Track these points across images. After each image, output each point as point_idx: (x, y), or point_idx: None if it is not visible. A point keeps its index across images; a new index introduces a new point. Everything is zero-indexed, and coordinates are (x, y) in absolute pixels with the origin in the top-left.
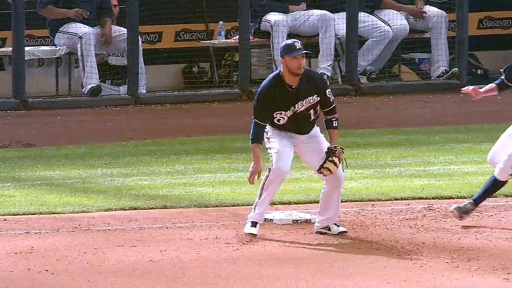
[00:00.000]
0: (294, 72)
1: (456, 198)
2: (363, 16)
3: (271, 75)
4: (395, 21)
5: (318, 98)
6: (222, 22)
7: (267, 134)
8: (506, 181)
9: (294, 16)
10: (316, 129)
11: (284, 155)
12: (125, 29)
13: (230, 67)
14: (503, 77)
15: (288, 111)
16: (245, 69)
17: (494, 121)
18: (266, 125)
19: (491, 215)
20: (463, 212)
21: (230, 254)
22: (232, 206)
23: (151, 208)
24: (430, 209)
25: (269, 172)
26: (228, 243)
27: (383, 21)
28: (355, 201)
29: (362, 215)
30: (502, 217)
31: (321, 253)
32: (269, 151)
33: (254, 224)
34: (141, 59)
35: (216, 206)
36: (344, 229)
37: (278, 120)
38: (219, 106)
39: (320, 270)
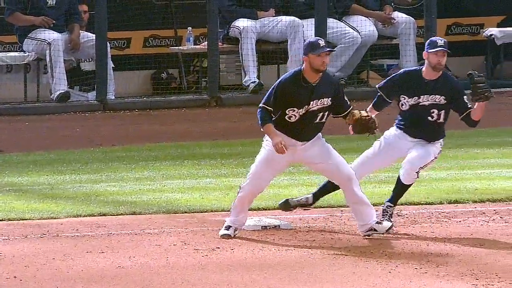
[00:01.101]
0: (317, 69)
1: (425, 204)
2: (331, 22)
3: (292, 70)
4: (364, 27)
5: (331, 103)
6: (190, 28)
7: (266, 140)
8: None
9: (263, 22)
10: (319, 135)
11: (260, 177)
12: (94, 35)
13: (199, 73)
14: (380, 94)
15: (302, 109)
16: (213, 75)
17: (460, 128)
18: (273, 113)
19: (460, 221)
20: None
21: (199, 260)
22: (201, 212)
23: (120, 214)
24: (398, 215)
25: (239, 189)
26: (197, 249)
27: (352, 27)
28: (324, 207)
29: (331, 221)
30: (471, 223)
31: (290, 259)
32: (256, 158)
33: (227, 227)
34: (109, 65)
35: (185, 212)
36: (390, 224)
37: (290, 117)
38: (188, 112)
39: (289, 276)
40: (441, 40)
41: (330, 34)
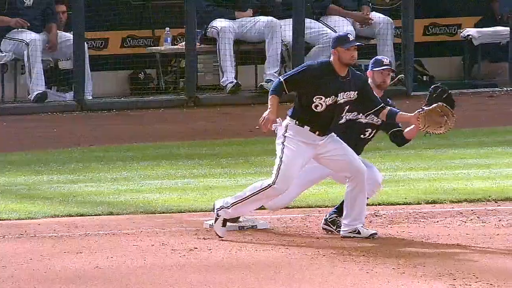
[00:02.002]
0: (346, 63)
1: (402, 204)
2: (309, 22)
3: (321, 60)
4: (341, 27)
5: (357, 97)
6: (168, 28)
7: (285, 137)
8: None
9: (241, 23)
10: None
11: (290, 178)
12: (71, 35)
13: (177, 74)
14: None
15: (329, 99)
16: (191, 76)
17: None
18: (287, 91)
19: (437, 221)
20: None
21: (176, 260)
22: (179, 212)
23: (98, 215)
24: (376, 215)
25: (267, 187)
26: (174, 249)
27: (329, 27)
28: (301, 207)
29: (308, 222)
30: (448, 223)
31: (268, 259)
32: (278, 160)
33: (225, 222)
34: (87, 65)
35: (163, 212)
36: (375, 231)
37: (316, 106)
38: (166, 112)
39: (267, 276)
40: (387, 59)
41: (307, 35)
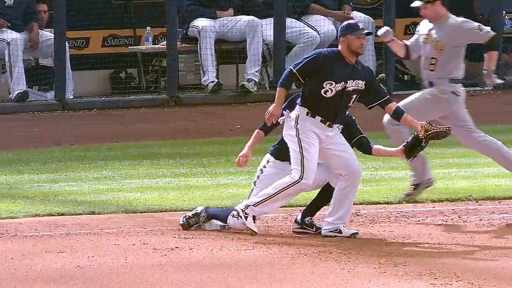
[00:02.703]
0: (355, 51)
1: (383, 203)
2: (290, 22)
3: (331, 49)
4: (323, 26)
5: (364, 87)
6: (149, 27)
7: (297, 129)
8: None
9: (222, 22)
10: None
11: (314, 169)
12: (52, 34)
13: (158, 73)
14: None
15: (339, 85)
16: (172, 75)
17: None
18: (301, 79)
19: (418, 221)
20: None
21: (158, 260)
22: (160, 212)
23: (79, 214)
24: (357, 215)
25: (295, 183)
26: (155, 249)
27: (311, 26)
28: (282, 207)
29: (289, 221)
30: (429, 223)
31: (249, 258)
32: (296, 153)
33: (254, 218)
34: (68, 65)
35: (144, 212)
36: (356, 231)
37: (326, 92)
38: (147, 111)
39: (248, 275)
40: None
41: (289, 34)
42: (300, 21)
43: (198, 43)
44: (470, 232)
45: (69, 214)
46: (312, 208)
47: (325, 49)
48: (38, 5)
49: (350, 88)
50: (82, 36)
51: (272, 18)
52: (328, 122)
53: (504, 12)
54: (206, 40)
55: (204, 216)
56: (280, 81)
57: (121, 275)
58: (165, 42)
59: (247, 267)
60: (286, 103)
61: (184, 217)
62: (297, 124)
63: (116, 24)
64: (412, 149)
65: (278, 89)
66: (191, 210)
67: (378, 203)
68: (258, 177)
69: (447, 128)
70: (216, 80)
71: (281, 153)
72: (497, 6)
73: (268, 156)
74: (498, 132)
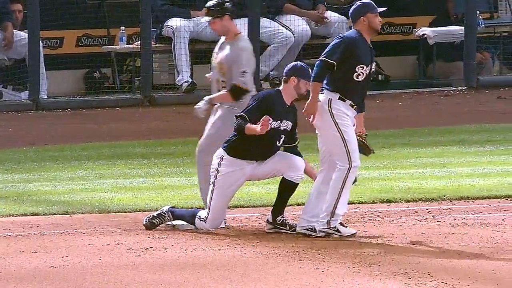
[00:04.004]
0: (375, 29)
1: (358, 203)
2: (265, 21)
3: (351, 31)
4: (297, 26)
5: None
6: (123, 27)
7: (332, 113)
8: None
9: (196, 22)
10: None
11: (357, 150)
12: (26, 34)
13: (132, 73)
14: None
15: (368, 67)
16: (146, 75)
17: (392, 127)
18: (336, 67)
19: (392, 220)
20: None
21: (131, 260)
22: (134, 211)
23: (53, 214)
24: None
25: (348, 171)
26: (130, 249)
27: (285, 26)
28: (257, 206)
29: (263, 221)
30: (403, 222)
31: (223, 258)
32: (338, 140)
33: (342, 224)
34: (42, 64)
35: (118, 211)
36: (333, 232)
37: (358, 76)
38: (121, 111)
39: (222, 275)
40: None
41: (263, 34)
42: (275, 21)
43: (172, 43)
44: (444, 232)
45: (43, 214)
46: (279, 205)
47: (346, 33)
48: (13, 5)
49: (373, 70)
50: (56, 36)
51: (246, 18)
52: (355, 106)
53: (478, 12)
54: (180, 40)
55: (169, 217)
56: (313, 75)
57: (95, 275)
58: (139, 42)
59: (221, 267)
60: (251, 100)
61: (148, 217)
62: (331, 108)
63: (90, 24)
64: None
65: (313, 84)
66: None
67: (352, 203)
68: (215, 177)
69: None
70: (191, 80)
71: (237, 150)
72: (471, 6)
73: (221, 152)
74: (472, 132)
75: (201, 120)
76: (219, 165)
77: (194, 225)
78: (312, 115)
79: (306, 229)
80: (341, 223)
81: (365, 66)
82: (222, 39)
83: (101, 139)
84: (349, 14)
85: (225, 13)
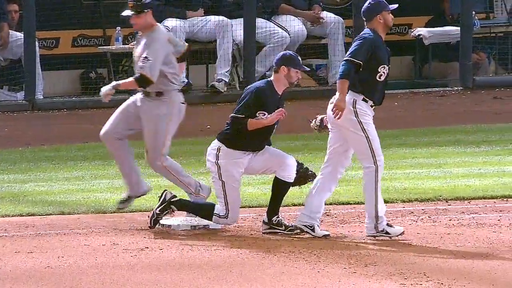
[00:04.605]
0: (389, 27)
1: (354, 203)
2: (260, 22)
3: (367, 30)
4: (293, 26)
5: None
6: (119, 27)
7: (357, 113)
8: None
9: (192, 22)
10: None
11: (380, 147)
12: (22, 35)
13: (128, 73)
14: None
15: (388, 67)
16: None
17: (388, 127)
18: (362, 68)
19: (388, 221)
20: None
21: (127, 260)
22: (130, 212)
23: (49, 214)
24: (327, 215)
25: (377, 171)
26: (126, 249)
27: (281, 26)
28: (253, 207)
29: (259, 221)
30: (399, 223)
31: (219, 258)
32: (363, 139)
33: (390, 225)
34: (38, 65)
35: (114, 212)
36: (328, 232)
37: (380, 76)
38: None
39: (218, 275)
40: None
41: (259, 34)
42: (270, 21)
43: None
44: (440, 232)
45: (39, 215)
46: (274, 205)
47: (365, 33)
48: (9, 5)
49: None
50: (52, 36)
51: (242, 19)
52: (374, 106)
53: (473, 12)
54: None
55: (172, 201)
56: (340, 73)
57: (91, 275)
58: (135, 42)
59: (217, 267)
60: (242, 95)
61: (154, 217)
62: (355, 108)
63: (86, 24)
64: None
65: (341, 81)
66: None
67: (348, 203)
68: (220, 171)
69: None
70: (186, 80)
71: (233, 142)
72: (467, 7)
73: (217, 143)
74: (468, 132)
75: (196, 121)
76: (217, 157)
77: (204, 218)
78: (340, 112)
79: (305, 226)
80: (387, 224)
81: (385, 66)
82: (139, 34)
83: (97, 140)
84: (363, 13)
85: (149, 7)
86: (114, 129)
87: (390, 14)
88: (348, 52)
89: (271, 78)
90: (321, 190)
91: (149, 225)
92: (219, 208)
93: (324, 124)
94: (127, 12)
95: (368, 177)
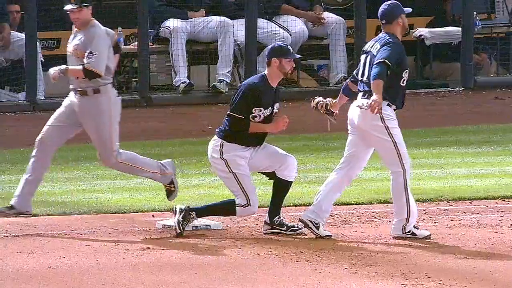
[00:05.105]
0: (407, 29)
1: (355, 204)
2: (262, 22)
3: (389, 35)
4: (294, 27)
5: None
6: (120, 28)
7: (383, 119)
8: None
9: (193, 23)
10: None
11: (407, 152)
12: (23, 35)
13: (129, 73)
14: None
15: (408, 70)
16: (144, 76)
17: None
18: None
19: (390, 221)
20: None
21: (129, 260)
22: (131, 212)
23: (50, 215)
24: (329, 215)
25: (404, 175)
26: (127, 249)
27: (282, 27)
28: None
29: (261, 221)
30: None
31: (221, 259)
32: (390, 144)
33: (416, 228)
34: (39, 65)
35: (115, 212)
36: (331, 234)
37: (404, 81)
38: None
39: (220, 276)
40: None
41: (260, 35)
42: (272, 22)
43: (169, 43)
44: (441, 232)
45: (41, 215)
46: (275, 205)
47: (389, 38)
48: (10, 6)
49: None
50: (53, 37)
51: (244, 19)
52: (396, 110)
53: (475, 13)
54: (178, 41)
55: (193, 216)
56: (375, 74)
57: (93, 275)
58: (136, 43)
59: (219, 267)
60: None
61: (178, 223)
62: (381, 113)
63: None
64: None
65: (376, 81)
66: (167, 211)
67: (349, 203)
68: (229, 165)
69: None
70: (188, 81)
71: (234, 137)
72: (468, 7)
73: (218, 140)
74: (469, 132)
75: (197, 121)
76: (222, 152)
77: (228, 216)
78: (377, 108)
79: (311, 221)
80: (414, 226)
81: (407, 71)
82: (75, 29)
83: None
84: (383, 15)
85: (90, 3)
86: (50, 137)
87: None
88: (378, 55)
89: (265, 72)
90: (333, 190)
91: (178, 231)
92: (239, 200)
93: (329, 110)
94: (69, 6)
95: (396, 181)
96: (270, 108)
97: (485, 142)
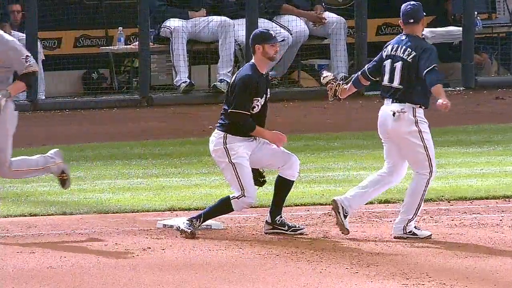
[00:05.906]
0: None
1: None
2: (262, 22)
3: (420, 39)
4: (295, 27)
5: None
6: (121, 28)
7: (417, 123)
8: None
9: (194, 22)
10: None
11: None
12: (24, 35)
13: (130, 73)
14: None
15: None
16: (144, 75)
17: None
18: None
19: (390, 221)
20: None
21: (129, 260)
22: (132, 212)
23: (51, 215)
24: (329, 215)
25: (429, 180)
26: (127, 249)
27: (283, 26)
28: (255, 207)
29: (261, 221)
30: None
31: (221, 259)
32: (421, 149)
33: (417, 228)
34: (40, 65)
35: (116, 212)
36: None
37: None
38: (119, 112)
39: (221, 276)
40: None
41: None
42: (272, 21)
43: (170, 43)
44: (442, 232)
45: (41, 215)
46: (277, 205)
47: (424, 42)
48: (12, 5)
49: None
50: (54, 37)
51: (244, 19)
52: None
53: (476, 12)
54: (178, 41)
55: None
56: (436, 80)
57: (93, 275)
58: (137, 43)
59: (219, 267)
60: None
61: (188, 224)
62: (416, 116)
63: (88, 25)
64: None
65: (438, 85)
66: (164, 211)
67: None
68: (229, 154)
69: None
70: (188, 81)
71: (235, 129)
72: (469, 7)
73: (220, 133)
74: (470, 132)
75: (198, 121)
76: (225, 142)
77: (227, 212)
78: (446, 105)
79: (343, 207)
80: (415, 227)
81: None
82: None
83: (98, 140)
84: (409, 15)
85: None
86: None
87: None
88: (427, 63)
89: (252, 60)
90: (373, 190)
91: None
92: (233, 192)
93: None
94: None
95: (418, 183)
96: (264, 95)
97: (486, 142)
